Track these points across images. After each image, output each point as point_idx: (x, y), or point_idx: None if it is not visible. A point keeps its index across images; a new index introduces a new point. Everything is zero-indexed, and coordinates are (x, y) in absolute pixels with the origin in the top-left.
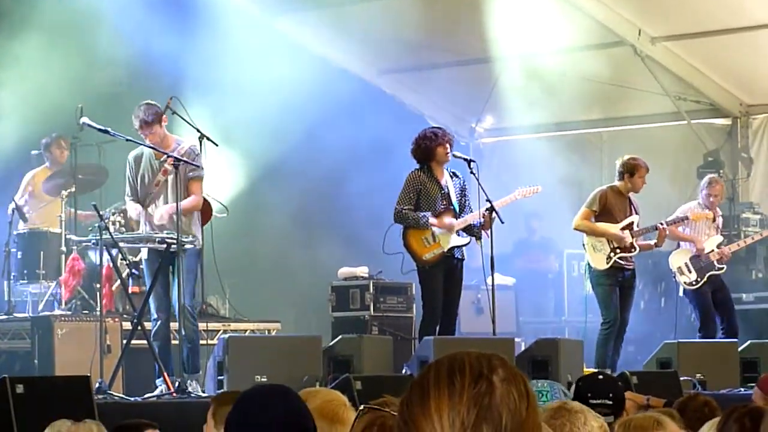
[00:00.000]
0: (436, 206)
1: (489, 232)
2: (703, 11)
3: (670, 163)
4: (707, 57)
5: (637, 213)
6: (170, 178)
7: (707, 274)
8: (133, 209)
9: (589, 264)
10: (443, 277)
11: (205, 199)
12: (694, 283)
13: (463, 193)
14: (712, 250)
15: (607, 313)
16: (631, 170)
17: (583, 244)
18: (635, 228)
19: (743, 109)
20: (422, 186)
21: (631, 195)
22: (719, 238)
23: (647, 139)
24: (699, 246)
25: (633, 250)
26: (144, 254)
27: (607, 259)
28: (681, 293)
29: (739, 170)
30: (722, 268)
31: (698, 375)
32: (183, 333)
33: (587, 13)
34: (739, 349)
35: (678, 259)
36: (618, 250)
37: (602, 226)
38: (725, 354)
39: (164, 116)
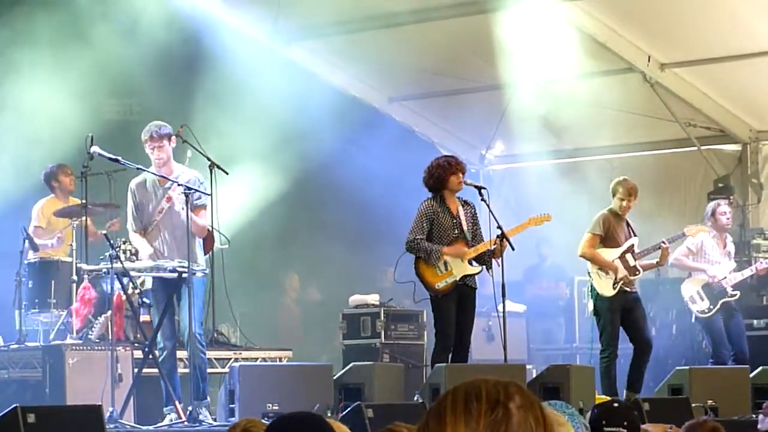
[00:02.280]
0: (449, 235)
1: (500, 260)
2: (712, 37)
3: (680, 189)
4: (717, 83)
5: (635, 235)
6: (175, 205)
7: (720, 302)
8: (142, 247)
9: (593, 289)
10: (456, 305)
11: (207, 230)
12: (706, 311)
13: (474, 221)
14: (725, 277)
15: (607, 340)
16: (614, 191)
17: (588, 272)
18: (636, 250)
19: (753, 135)
20: (435, 215)
21: (628, 218)
22: (732, 265)
23: (657, 165)
24: (710, 273)
25: (637, 273)
26: (148, 283)
27: (613, 285)
28: (693, 320)
29: (749, 196)
30: (735, 295)
31: (710, 401)
32: (193, 360)
33: (597, 40)
34: (751, 375)
35: (690, 288)
36: (624, 278)
37: (604, 258)
38: (737, 380)
39: (173, 137)
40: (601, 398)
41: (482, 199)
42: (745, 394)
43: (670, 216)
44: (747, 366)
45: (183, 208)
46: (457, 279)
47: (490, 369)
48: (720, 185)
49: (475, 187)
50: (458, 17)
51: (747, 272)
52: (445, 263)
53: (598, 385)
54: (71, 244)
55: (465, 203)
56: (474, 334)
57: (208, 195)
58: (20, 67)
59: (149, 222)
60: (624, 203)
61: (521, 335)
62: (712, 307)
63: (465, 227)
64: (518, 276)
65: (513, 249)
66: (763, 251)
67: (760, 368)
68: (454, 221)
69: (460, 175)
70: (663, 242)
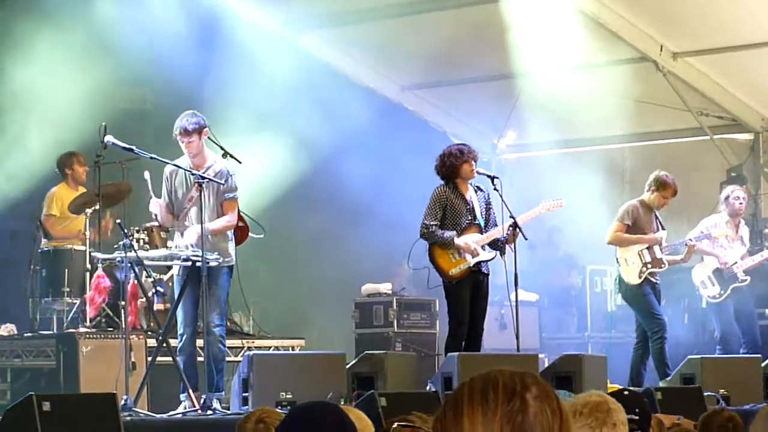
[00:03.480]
0: (462, 221)
1: (513, 246)
2: (724, 27)
3: (692, 178)
4: (729, 72)
5: (663, 228)
6: (203, 194)
7: (731, 287)
8: (155, 204)
9: (620, 279)
10: (470, 292)
11: (242, 219)
12: (717, 296)
13: (487, 207)
14: (736, 262)
15: (653, 322)
16: (659, 186)
17: (617, 258)
18: (664, 243)
19: (765, 124)
20: (448, 202)
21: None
22: (742, 249)
23: (670, 154)
24: (721, 260)
25: (663, 265)
26: (175, 270)
27: (639, 273)
28: (704, 305)
29: (762, 185)
30: (746, 280)
31: (722, 390)
32: (209, 351)
33: (609, 29)
34: (763, 364)
35: (701, 273)
36: (649, 265)
37: (630, 236)
38: (748, 369)
39: (206, 129)
40: (613, 387)
41: (495, 189)
42: (757, 383)
43: (682, 205)
44: (759, 355)
45: (206, 200)
46: (471, 265)
47: (503, 358)
48: (732, 174)
49: (488, 176)
50: (471, 6)
51: (758, 257)
52: (459, 251)
53: (611, 374)
54: (84, 233)
55: (478, 188)
56: (487, 323)
57: (226, 184)
58: (34, 57)
59: (180, 209)
60: (664, 200)
61: (533, 324)
62: (723, 292)
63: (478, 213)
64: (532, 266)
65: (526, 239)
66: None
67: None
68: (468, 207)
69: (473, 163)
70: (690, 240)
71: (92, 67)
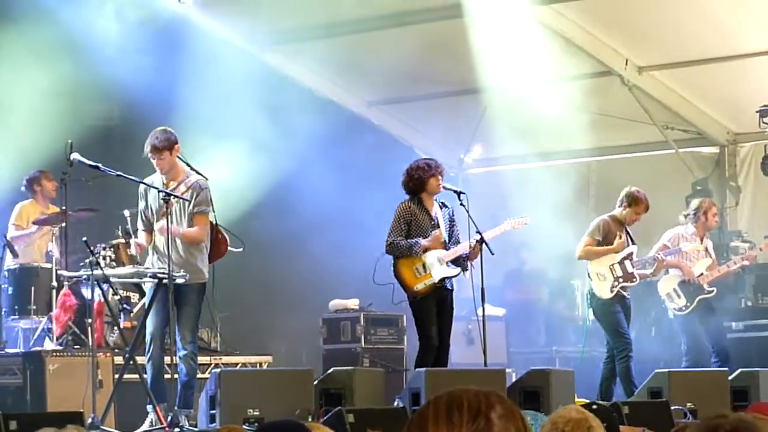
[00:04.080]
0: (427, 236)
1: (478, 262)
2: (689, 40)
3: (658, 192)
4: (694, 86)
5: (634, 243)
6: (174, 209)
7: (697, 299)
8: (134, 245)
9: (592, 294)
10: (435, 307)
11: (220, 232)
12: (683, 308)
13: (451, 223)
14: (702, 274)
15: (620, 341)
16: (631, 202)
17: (588, 273)
18: (634, 258)
19: (731, 137)
20: (413, 217)
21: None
22: (708, 261)
23: (635, 168)
24: (686, 272)
25: (635, 279)
26: (146, 288)
27: (611, 288)
28: (672, 316)
29: (727, 198)
30: (711, 292)
31: (689, 404)
32: (181, 367)
33: (574, 43)
34: (730, 377)
35: (667, 286)
36: (621, 280)
37: (600, 248)
38: (716, 383)
39: (177, 146)
40: (581, 401)
41: (461, 204)
42: (724, 397)
43: (647, 218)
44: (726, 368)
45: (182, 214)
46: (436, 281)
47: (470, 373)
48: (698, 188)
49: (454, 191)
50: (436, 21)
51: (723, 268)
52: (424, 265)
53: (578, 389)
54: (50, 251)
55: (443, 204)
56: (454, 338)
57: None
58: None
59: (156, 223)
60: (637, 216)
61: (501, 339)
62: (689, 304)
63: (443, 229)
64: (498, 280)
65: (492, 254)
66: (740, 254)
67: (739, 370)
68: (432, 223)
69: (440, 177)
70: (659, 255)
71: (58, 83)
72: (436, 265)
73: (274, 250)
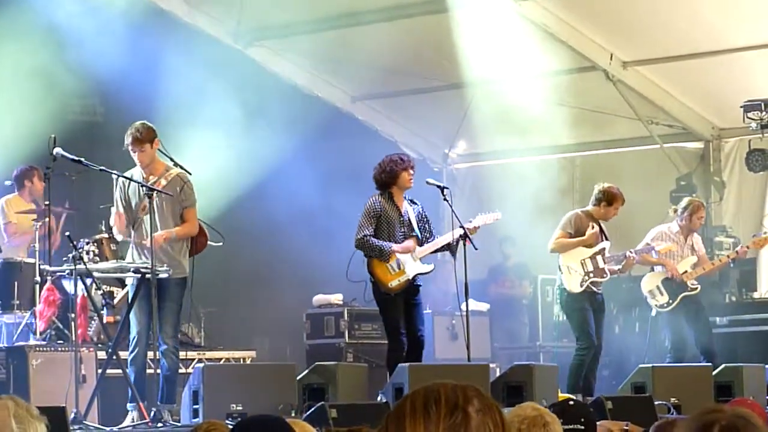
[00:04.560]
0: (396, 233)
1: (461, 257)
2: (674, 35)
3: (642, 186)
4: (679, 81)
5: (607, 239)
6: (156, 204)
7: (680, 296)
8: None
9: (562, 288)
10: (404, 303)
11: (200, 227)
12: (665, 305)
13: (422, 220)
14: (686, 271)
15: (584, 337)
16: (609, 199)
17: (559, 266)
18: (606, 254)
19: (715, 132)
20: (382, 211)
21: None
22: (694, 259)
23: (620, 163)
24: (670, 269)
25: (605, 275)
26: (129, 282)
27: (581, 282)
28: (654, 314)
29: (712, 194)
30: (695, 289)
31: (673, 399)
32: (163, 364)
33: (559, 39)
34: (714, 373)
35: (650, 282)
36: (592, 274)
37: (572, 240)
38: (699, 378)
39: (156, 139)
40: (564, 396)
41: (444, 199)
42: (708, 392)
43: (631, 213)
44: (710, 364)
45: (165, 208)
46: (410, 278)
47: (454, 368)
48: (682, 183)
49: (437, 186)
50: (420, 16)
51: (708, 266)
52: (398, 262)
53: (562, 383)
54: (33, 245)
55: (412, 201)
56: (437, 333)
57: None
58: None
59: (135, 218)
60: (615, 211)
61: (485, 334)
62: (671, 301)
63: (414, 225)
64: (482, 275)
65: (476, 248)
66: (725, 249)
67: (722, 366)
68: (402, 219)
69: (411, 172)
70: (630, 251)
71: (42, 78)
72: (410, 262)
73: (257, 245)
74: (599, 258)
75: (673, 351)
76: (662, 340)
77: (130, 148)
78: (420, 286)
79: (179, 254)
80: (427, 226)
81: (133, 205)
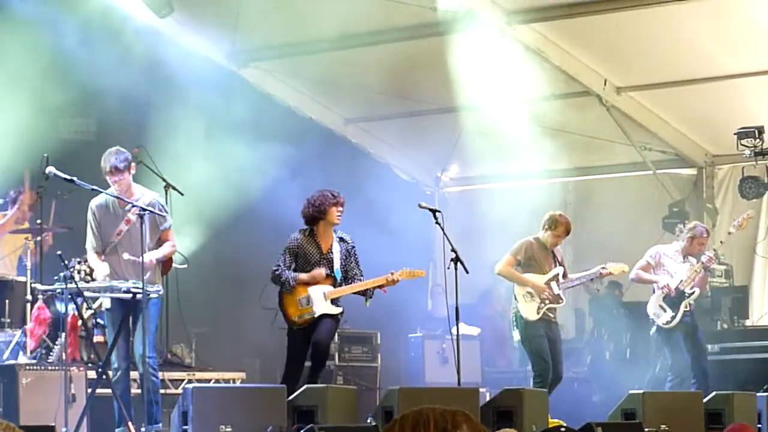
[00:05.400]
0: (311, 271)
1: (453, 281)
2: (668, 62)
3: (635, 212)
4: (672, 107)
5: (561, 265)
6: (132, 228)
7: (681, 305)
8: (99, 267)
9: (519, 316)
10: (306, 336)
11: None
12: (670, 320)
13: (349, 258)
14: (681, 281)
15: (539, 363)
16: (551, 225)
17: (515, 295)
18: (561, 279)
19: (708, 159)
20: (300, 249)
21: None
22: (686, 265)
23: (613, 188)
24: (661, 283)
25: (561, 301)
26: (106, 303)
27: (537, 309)
28: (652, 332)
29: (705, 221)
30: (693, 293)
31: (663, 426)
32: (144, 383)
33: (553, 64)
34: (704, 400)
35: (653, 304)
36: (547, 302)
37: (524, 276)
38: (690, 405)
39: (133, 164)
40: (554, 422)
41: (436, 222)
42: (698, 419)
43: (625, 238)
44: (700, 391)
45: (142, 231)
46: (315, 317)
47: (444, 392)
48: (675, 209)
49: (430, 209)
50: (415, 39)
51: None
52: (308, 299)
53: (551, 409)
54: (25, 264)
55: (341, 239)
56: (428, 356)
57: (163, 215)
58: None
59: (108, 243)
60: (557, 239)
61: (475, 358)
62: (674, 314)
63: (337, 265)
64: (473, 299)
65: (467, 272)
66: (717, 276)
67: (713, 393)
68: (323, 257)
69: (341, 208)
70: (603, 268)
71: (36, 97)
72: (320, 301)
73: (248, 266)
74: (554, 284)
75: (674, 370)
76: (654, 366)
77: (108, 177)
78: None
79: (155, 275)
80: (353, 265)
81: (107, 229)
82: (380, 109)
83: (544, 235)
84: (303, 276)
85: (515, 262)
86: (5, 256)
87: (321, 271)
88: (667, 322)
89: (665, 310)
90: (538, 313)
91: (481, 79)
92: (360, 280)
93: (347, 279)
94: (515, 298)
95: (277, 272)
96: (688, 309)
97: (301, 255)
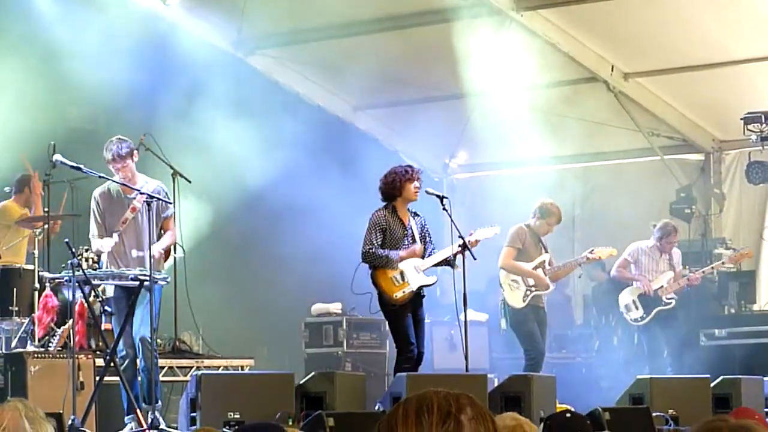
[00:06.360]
0: (400, 246)
1: (461, 267)
2: (675, 47)
3: (642, 198)
4: (680, 93)
5: (547, 251)
6: (138, 215)
7: (654, 310)
8: (105, 242)
9: (505, 303)
10: (411, 315)
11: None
12: (639, 319)
13: (423, 232)
14: (661, 287)
15: (533, 347)
16: (544, 214)
17: (500, 283)
18: (547, 266)
19: (716, 144)
20: (387, 225)
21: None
22: (669, 274)
23: (620, 174)
24: (644, 285)
25: (548, 288)
26: (110, 291)
27: (524, 297)
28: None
29: (712, 206)
30: (670, 303)
31: (671, 411)
32: (143, 365)
33: (560, 50)
34: (712, 384)
35: (627, 297)
36: (534, 288)
37: (524, 267)
38: (698, 390)
39: (135, 152)
40: (562, 407)
41: (444, 209)
42: (706, 404)
43: (632, 224)
44: (708, 375)
45: (148, 219)
46: (414, 289)
47: (452, 378)
48: (682, 195)
49: (437, 196)
50: (422, 26)
51: (683, 281)
52: (402, 274)
53: (559, 394)
54: (33, 252)
55: (415, 214)
56: (436, 343)
57: (170, 203)
58: None
59: (112, 231)
60: (549, 227)
61: (483, 344)
62: (645, 315)
63: (417, 238)
64: (481, 285)
65: (474, 259)
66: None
67: (720, 378)
68: (406, 231)
69: (417, 183)
70: (591, 251)
71: (43, 86)
72: (414, 274)
73: (257, 254)
74: (539, 271)
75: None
76: (661, 352)
77: (111, 165)
78: (424, 297)
79: (159, 265)
80: (429, 238)
81: (112, 218)
82: (388, 96)
83: (535, 222)
84: (402, 253)
85: (515, 252)
86: (13, 244)
87: (414, 248)
88: (635, 320)
89: (637, 308)
90: (524, 301)
91: (488, 65)
92: (435, 251)
93: (425, 251)
94: (501, 287)
95: (371, 251)
96: (661, 310)
97: (388, 232)
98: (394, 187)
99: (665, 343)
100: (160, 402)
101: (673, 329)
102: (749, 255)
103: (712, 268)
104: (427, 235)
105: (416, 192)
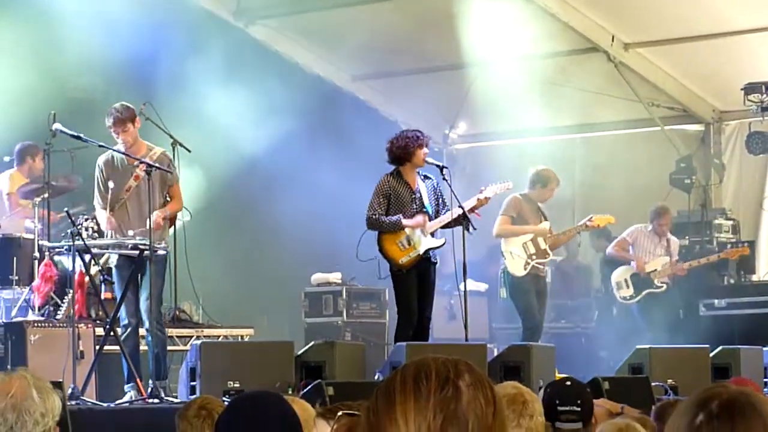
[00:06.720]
0: (407, 211)
1: (460, 238)
2: (676, 18)
3: (642, 168)
4: (680, 63)
5: (546, 219)
6: (141, 183)
7: (644, 292)
8: (105, 222)
9: (506, 272)
10: (417, 280)
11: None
12: (628, 297)
13: (436, 194)
14: (655, 270)
15: (529, 318)
16: (544, 181)
17: (502, 252)
18: (548, 234)
19: (716, 115)
20: (392, 191)
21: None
22: (665, 259)
23: (620, 144)
24: (639, 266)
25: (548, 255)
26: (113, 260)
27: (525, 265)
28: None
29: (712, 176)
30: (661, 287)
31: (670, 381)
32: (151, 338)
33: (561, 20)
34: (711, 354)
35: (620, 275)
36: (534, 257)
37: (518, 227)
38: (697, 359)
39: (138, 118)
40: (561, 377)
41: (444, 178)
42: (705, 374)
43: (631, 195)
44: (707, 345)
45: (151, 187)
46: (421, 253)
47: (452, 348)
48: (682, 165)
49: (437, 166)
50: None
51: (678, 267)
52: (408, 238)
53: (558, 364)
54: (33, 221)
55: (426, 177)
56: (435, 312)
57: (170, 172)
58: None
59: (116, 200)
60: (551, 193)
61: (483, 314)
62: (634, 295)
63: (426, 202)
64: (481, 255)
65: (474, 228)
66: (724, 231)
67: (720, 347)
68: (413, 196)
69: (426, 149)
70: (590, 218)
71: (42, 56)
72: (420, 237)
73: (256, 223)
74: (540, 240)
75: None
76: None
77: (112, 129)
78: (435, 263)
79: (164, 231)
80: (441, 200)
81: (116, 186)
82: (388, 65)
83: (533, 191)
84: (406, 221)
85: (509, 220)
86: (13, 213)
87: (419, 219)
88: (625, 298)
89: (628, 287)
90: (525, 269)
91: (488, 35)
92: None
93: (437, 214)
94: (502, 255)
95: (374, 217)
96: (651, 292)
97: (394, 196)
98: (407, 151)
99: (648, 325)
100: (168, 379)
101: (656, 314)
102: (744, 252)
103: (708, 259)
104: (440, 196)
105: (424, 158)
